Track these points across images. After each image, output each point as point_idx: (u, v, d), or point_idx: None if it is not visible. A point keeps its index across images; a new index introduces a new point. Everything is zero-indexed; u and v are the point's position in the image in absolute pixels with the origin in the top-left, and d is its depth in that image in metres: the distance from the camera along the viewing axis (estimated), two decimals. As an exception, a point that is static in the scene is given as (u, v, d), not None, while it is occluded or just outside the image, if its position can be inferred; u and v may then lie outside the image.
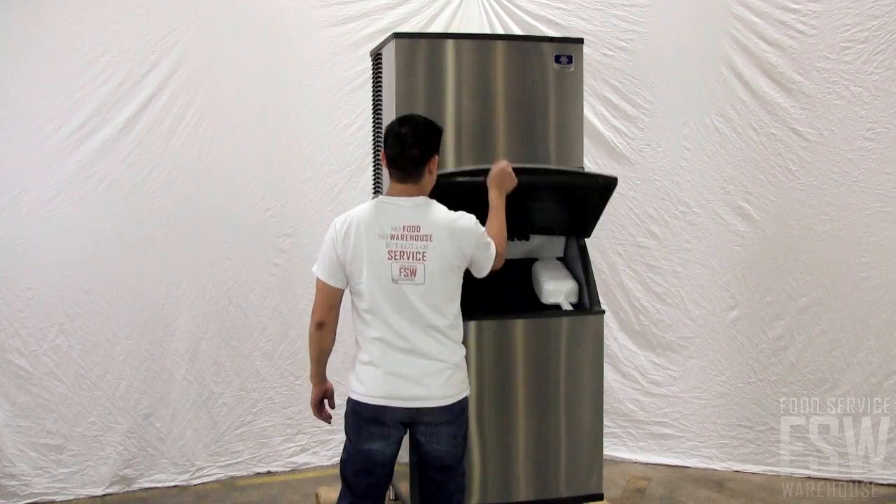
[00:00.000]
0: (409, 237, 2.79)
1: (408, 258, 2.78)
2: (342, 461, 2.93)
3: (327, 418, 3.05)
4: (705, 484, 4.51)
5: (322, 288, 2.87)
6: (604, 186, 3.56)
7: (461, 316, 2.92)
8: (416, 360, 2.81)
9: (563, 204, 3.68)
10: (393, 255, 2.78)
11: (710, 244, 4.70)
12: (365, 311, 2.83)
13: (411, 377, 2.81)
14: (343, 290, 2.88)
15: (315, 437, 4.76)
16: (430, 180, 2.89)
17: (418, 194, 2.86)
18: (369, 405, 2.83)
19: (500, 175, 3.17)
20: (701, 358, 4.75)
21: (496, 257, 2.97)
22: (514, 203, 3.24)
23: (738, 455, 4.65)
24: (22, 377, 4.20)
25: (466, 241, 2.84)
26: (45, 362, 4.24)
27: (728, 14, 4.58)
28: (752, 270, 4.62)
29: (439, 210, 2.87)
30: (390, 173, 2.89)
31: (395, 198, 2.85)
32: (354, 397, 2.87)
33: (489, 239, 2.94)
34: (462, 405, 2.91)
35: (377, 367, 2.82)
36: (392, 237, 2.79)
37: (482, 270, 2.96)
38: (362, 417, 2.84)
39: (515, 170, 3.20)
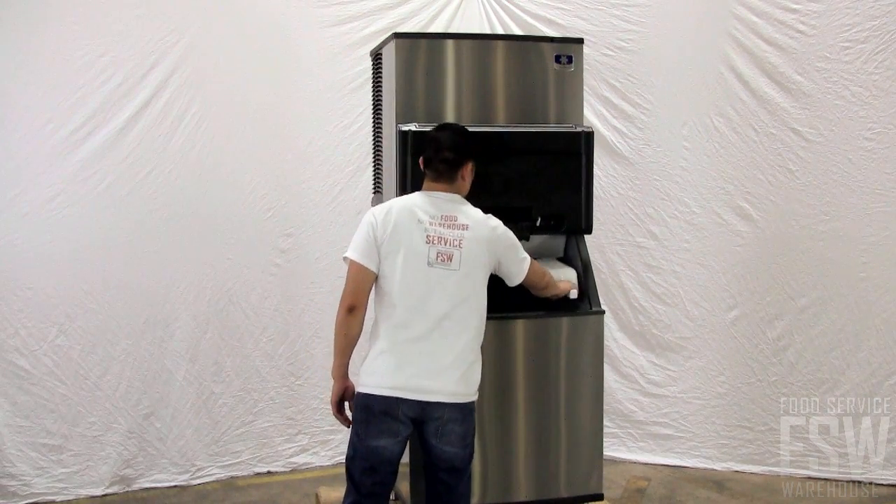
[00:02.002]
0: (447, 225, 2.91)
1: (445, 244, 2.88)
2: (348, 458, 2.92)
3: (346, 421, 2.99)
4: (705, 484, 4.51)
5: (355, 272, 2.90)
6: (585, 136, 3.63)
7: (485, 316, 2.99)
8: (436, 349, 2.83)
9: (553, 170, 3.67)
10: (431, 239, 2.88)
11: (710, 244, 4.70)
12: (393, 294, 2.86)
13: (427, 368, 2.83)
14: (374, 276, 2.90)
15: (315, 437, 4.76)
16: (462, 185, 3.03)
17: (453, 192, 3.00)
18: (380, 397, 2.83)
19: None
20: (700, 358, 4.75)
21: (535, 274, 3.14)
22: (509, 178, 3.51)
23: (738, 455, 4.65)
24: (22, 377, 4.20)
25: (496, 239, 2.98)
26: (45, 362, 4.23)
27: (728, 14, 4.58)
28: (752, 270, 4.62)
29: (473, 208, 3.01)
30: (426, 174, 3.02)
31: (435, 192, 2.98)
32: (365, 390, 2.87)
33: (521, 247, 3.09)
34: (471, 406, 2.92)
35: (393, 356, 2.84)
36: (431, 223, 2.90)
37: (513, 277, 3.09)
38: (372, 412, 2.84)
39: (505, 133, 3.53)
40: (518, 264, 3.07)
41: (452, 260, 2.87)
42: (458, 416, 2.87)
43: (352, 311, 2.90)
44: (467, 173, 3.02)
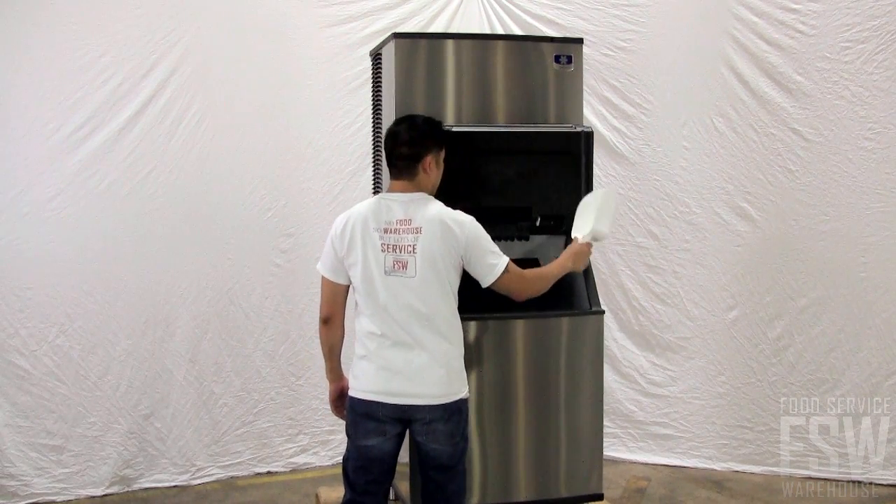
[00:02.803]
0: (401, 231, 2.83)
1: (399, 251, 2.81)
2: (344, 458, 2.96)
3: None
4: (705, 484, 4.51)
5: (325, 284, 2.96)
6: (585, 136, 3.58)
7: (458, 315, 2.92)
8: (410, 355, 2.82)
9: (552, 169, 3.66)
10: (386, 247, 2.83)
11: (710, 244, 4.70)
12: (361, 304, 2.89)
13: (404, 373, 2.83)
14: (346, 286, 2.95)
15: (316, 437, 4.76)
16: (426, 179, 2.91)
17: (414, 191, 2.89)
18: (363, 401, 2.87)
19: (581, 253, 3.19)
20: (700, 358, 4.75)
21: (512, 277, 2.90)
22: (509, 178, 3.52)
23: (738, 455, 4.65)
24: (22, 377, 4.20)
25: (456, 236, 2.82)
26: (45, 362, 4.23)
27: (728, 14, 4.58)
28: (752, 270, 4.62)
29: (434, 205, 2.89)
30: (389, 172, 2.95)
31: (392, 194, 2.91)
32: (350, 393, 2.92)
33: (495, 249, 2.88)
34: (458, 405, 2.90)
35: (371, 362, 2.86)
36: (386, 231, 2.84)
37: (483, 279, 2.89)
38: (358, 413, 2.88)
39: (508, 133, 3.48)
40: (484, 267, 2.85)
41: (407, 268, 2.79)
42: (443, 415, 2.85)
43: (327, 322, 2.98)
44: (429, 166, 2.89)
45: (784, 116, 4.50)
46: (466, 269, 2.90)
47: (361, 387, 2.87)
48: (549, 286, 3.09)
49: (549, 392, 3.55)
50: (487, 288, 2.92)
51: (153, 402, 4.44)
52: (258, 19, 4.58)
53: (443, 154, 2.97)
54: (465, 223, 2.85)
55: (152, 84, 4.37)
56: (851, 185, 4.39)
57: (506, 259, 2.90)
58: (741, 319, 4.66)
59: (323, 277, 2.96)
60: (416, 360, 2.82)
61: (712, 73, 4.64)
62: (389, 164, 2.93)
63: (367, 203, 2.93)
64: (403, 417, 2.86)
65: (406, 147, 2.87)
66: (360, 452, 2.87)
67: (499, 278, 2.88)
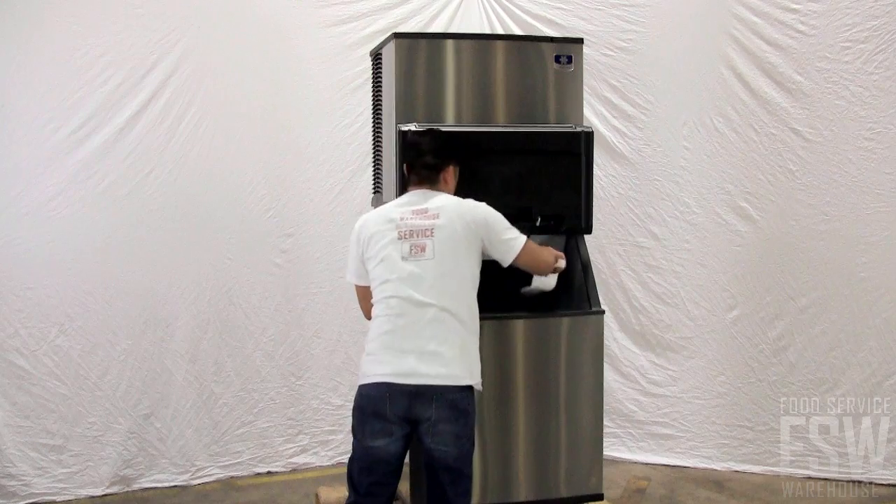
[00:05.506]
0: (417, 217, 2.92)
1: (416, 236, 2.90)
2: (350, 459, 2.95)
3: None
4: (705, 484, 4.51)
5: (358, 291, 3.08)
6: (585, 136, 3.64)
7: (476, 302, 2.96)
8: (423, 337, 2.84)
9: (553, 169, 3.68)
10: (402, 234, 2.91)
11: (710, 244, 4.70)
12: (377, 293, 2.92)
13: (416, 353, 2.83)
14: None
15: (316, 437, 4.75)
16: (446, 190, 3.05)
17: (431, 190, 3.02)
18: (371, 395, 2.85)
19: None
20: (701, 358, 4.75)
21: (526, 253, 3.01)
22: (509, 179, 3.58)
23: (738, 455, 4.65)
24: (22, 377, 4.20)
25: (474, 218, 2.93)
26: (45, 362, 4.23)
27: (728, 14, 4.58)
28: (752, 270, 4.62)
29: (448, 196, 3.00)
30: (409, 179, 3.05)
31: (409, 192, 3.03)
32: (359, 384, 2.92)
33: (510, 227, 3.00)
34: (464, 406, 2.88)
35: (383, 348, 2.87)
36: (401, 219, 2.93)
37: (504, 256, 3.00)
38: (365, 413, 2.87)
39: (508, 133, 3.57)
40: (504, 243, 2.98)
41: (426, 250, 2.88)
42: (450, 415, 2.84)
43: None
44: (450, 177, 3.07)
45: (784, 116, 4.50)
46: (487, 250, 2.97)
47: (370, 372, 2.88)
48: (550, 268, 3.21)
49: (549, 392, 3.55)
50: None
51: (153, 402, 4.44)
52: (258, 19, 4.58)
53: (458, 169, 3.10)
54: (480, 205, 2.99)
55: (152, 84, 4.37)
56: (851, 185, 4.39)
57: (524, 236, 3.02)
58: (741, 319, 4.66)
59: (355, 286, 3.07)
60: (429, 342, 2.84)
61: (712, 73, 4.64)
62: (412, 172, 3.04)
63: (384, 205, 3.06)
64: (409, 415, 2.84)
65: (431, 156, 3.02)
66: (366, 453, 2.86)
67: (518, 255, 3.00)
